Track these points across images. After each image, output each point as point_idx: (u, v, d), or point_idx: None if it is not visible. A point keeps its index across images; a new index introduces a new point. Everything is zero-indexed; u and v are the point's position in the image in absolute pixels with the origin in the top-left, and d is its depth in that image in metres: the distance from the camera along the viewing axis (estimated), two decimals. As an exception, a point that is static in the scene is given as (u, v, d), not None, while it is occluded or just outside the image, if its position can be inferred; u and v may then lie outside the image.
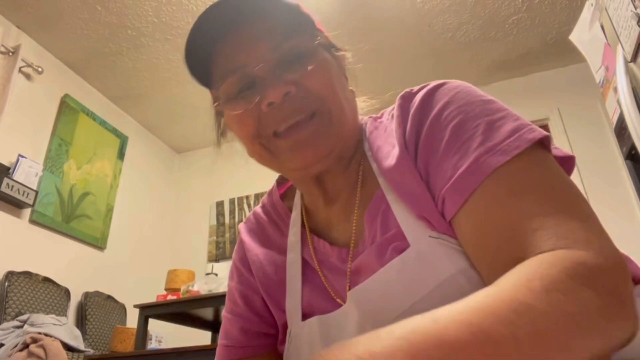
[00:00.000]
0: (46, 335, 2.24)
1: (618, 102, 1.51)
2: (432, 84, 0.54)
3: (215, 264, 2.72)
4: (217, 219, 4.00)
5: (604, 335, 0.32)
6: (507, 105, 0.50)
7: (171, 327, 2.55)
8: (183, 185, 4.28)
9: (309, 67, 0.51)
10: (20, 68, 2.86)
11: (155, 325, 2.50)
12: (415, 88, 0.55)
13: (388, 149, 0.55)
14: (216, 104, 0.56)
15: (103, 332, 2.98)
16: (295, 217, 0.64)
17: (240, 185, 3.90)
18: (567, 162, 0.50)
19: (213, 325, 2.64)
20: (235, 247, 0.71)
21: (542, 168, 0.44)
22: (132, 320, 3.08)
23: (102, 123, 3.54)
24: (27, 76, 2.97)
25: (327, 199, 0.60)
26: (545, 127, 3.38)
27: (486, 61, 3.45)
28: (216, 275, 2.54)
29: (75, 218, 3.14)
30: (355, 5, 2.89)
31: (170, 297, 2.37)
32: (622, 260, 0.37)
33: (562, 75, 3.48)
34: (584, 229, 0.38)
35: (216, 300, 2.11)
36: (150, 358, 2.05)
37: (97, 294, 3.12)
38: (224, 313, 0.69)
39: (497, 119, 0.47)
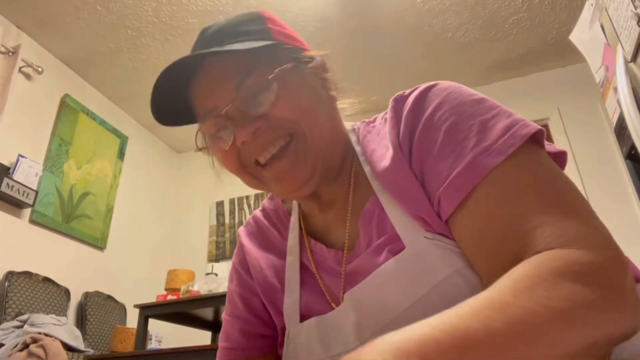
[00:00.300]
0: (46, 335, 2.24)
1: (618, 102, 1.51)
2: (424, 85, 0.54)
3: (215, 264, 2.72)
4: (217, 219, 4.00)
5: (594, 327, 0.32)
6: (507, 105, 0.50)
7: (171, 327, 2.55)
8: (183, 185, 4.28)
9: (273, 99, 0.52)
10: (20, 68, 2.86)
11: (155, 325, 2.50)
12: (408, 91, 0.56)
13: (382, 152, 0.55)
14: (199, 147, 0.57)
15: (103, 332, 2.98)
16: (294, 221, 0.65)
17: (240, 185, 3.84)
18: (560, 158, 0.51)
19: (213, 325, 2.64)
20: (235, 251, 0.72)
21: (536, 166, 0.44)
22: (132, 320, 3.08)
23: (102, 123, 3.54)
24: (27, 76, 2.97)
25: (322, 206, 0.61)
26: (545, 127, 3.38)
27: (486, 61, 3.45)
28: (216, 275, 2.54)
29: (75, 218, 3.14)
30: (355, 5, 2.89)
31: (170, 297, 2.37)
32: (618, 255, 0.37)
33: (562, 75, 3.48)
34: (579, 226, 0.39)
35: (216, 300, 2.11)
36: (150, 358, 2.05)
37: (97, 294, 3.12)
38: (224, 315, 0.69)
39: (490, 117, 0.47)
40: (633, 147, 1.49)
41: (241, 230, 0.72)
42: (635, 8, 1.30)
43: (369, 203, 0.55)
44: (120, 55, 3.21)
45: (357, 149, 0.60)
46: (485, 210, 0.44)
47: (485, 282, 0.43)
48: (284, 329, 0.62)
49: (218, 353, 0.67)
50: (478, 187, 0.44)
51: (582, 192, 3.07)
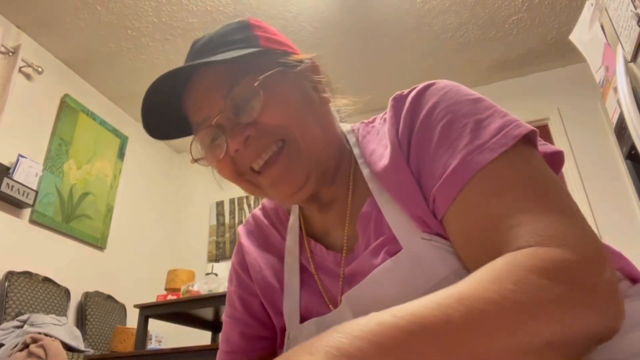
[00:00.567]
0: (46, 335, 2.24)
1: (618, 102, 1.51)
2: (422, 84, 0.55)
3: (215, 264, 2.72)
4: (217, 219, 4.00)
5: (558, 323, 0.32)
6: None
7: (171, 327, 2.55)
8: (183, 185, 4.28)
9: (260, 106, 0.52)
10: (20, 68, 2.86)
11: (155, 325, 2.50)
12: (407, 90, 0.56)
13: (381, 151, 0.55)
14: (195, 158, 0.58)
15: (103, 332, 2.98)
16: (293, 221, 0.65)
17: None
18: (556, 158, 0.51)
19: (213, 325, 2.64)
20: (235, 251, 0.72)
21: (525, 166, 0.45)
22: (132, 320, 3.08)
23: (102, 123, 3.54)
24: (27, 76, 2.97)
25: (321, 208, 0.61)
26: (545, 127, 3.39)
27: (486, 61, 3.45)
28: (216, 275, 2.54)
29: (75, 218, 3.14)
30: (355, 5, 2.89)
31: (170, 297, 2.37)
32: (596, 254, 0.37)
33: (562, 75, 3.48)
34: (559, 224, 0.39)
35: (216, 300, 2.11)
36: (150, 358, 2.05)
37: (97, 294, 3.12)
38: (224, 317, 0.70)
39: (485, 117, 0.48)
40: (633, 147, 1.49)
41: (240, 229, 0.72)
42: (635, 8, 1.30)
43: (366, 205, 0.56)
44: (120, 55, 3.21)
45: (356, 150, 0.60)
46: (471, 209, 0.44)
47: None
48: (282, 329, 0.62)
49: (218, 356, 0.67)
50: (467, 185, 0.45)
51: (582, 192, 3.07)
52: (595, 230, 2.64)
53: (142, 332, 2.20)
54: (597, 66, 1.76)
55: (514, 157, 0.45)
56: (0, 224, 2.64)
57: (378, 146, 0.57)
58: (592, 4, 1.71)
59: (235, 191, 3.99)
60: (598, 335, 0.35)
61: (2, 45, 2.79)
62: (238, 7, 2.85)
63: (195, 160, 0.57)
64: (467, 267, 0.45)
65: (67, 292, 2.85)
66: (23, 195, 2.69)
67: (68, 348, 2.35)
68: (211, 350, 1.90)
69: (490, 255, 0.39)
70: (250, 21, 0.59)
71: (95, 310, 3.01)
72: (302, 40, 3.14)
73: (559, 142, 3.28)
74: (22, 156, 2.77)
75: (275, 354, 0.65)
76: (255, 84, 0.52)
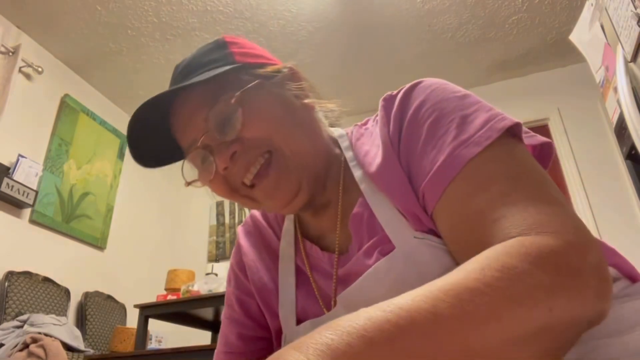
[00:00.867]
0: (46, 335, 2.24)
1: (618, 102, 1.51)
2: (409, 84, 0.55)
3: (215, 264, 2.72)
4: (217, 219, 4.00)
5: (545, 309, 0.33)
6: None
7: (171, 327, 2.55)
8: (183, 185, 4.27)
9: (240, 121, 0.53)
10: (20, 68, 2.86)
11: (155, 325, 2.50)
12: (396, 91, 0.57)
13: (375, 151, 0.56)
14: (188, 182, 0.59)
15: (103, 332, 2.98)
16: (288, 225, 0.66)
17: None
18: (545, 149, 0.52)
19: (213, 325, 2.64)
20: (233, 251, 0.72)
21: (510, 158, 0.45)
22: (132, 320, 3.08)
23: (102, 123, 3.54)
24: (27, 76, 2.97)
25: (315, 213, 0.62)
26: (545, 127, 3.39)
27: (486, 61, 3.45)
28: (216, 275, 2.54)
29: (75, 218, 3.14)
30: (355, 5, 2.89)
31: (170, 297, 2.37)
32: (580, 238, 0.38)
33: (562, 75, 3.48)
34: (544, 214, 0.39)
35: (216, 300, 2.11)
36: (150, 358, 2.05)
37: (97, 294, 3.12)
38: (222, 317, 0.70)
39: (470, 112, 0.48)
40: (633, 147, 1.49)
41: (239, 230, 0.72)
42: (635, 8, 1.30)
43: (357, 206, 0.56)
44: (120, 55, 3.21)
45: (350, 153, 0.60)
46: (458, 204, 0.45)
47: None
48: (277, 331, 0.63)
49: (216, 356, 0.67)
50: (454, 180, 0.45)
51: (582, 192, 3.07)
52: (595, 231, 2.62)
53: (142, 332, 2.20)
54: (597, 66, 1.76)
55: (498, 150, 0.45)
56: (0, 224, 2.64)
57: (371, 147, 0.57)
58: (592, 4, 1.71)
59: (235, 191, 3.99)
60: (587, 318, 0.35)
61: (2, 45, 2.79)
62: (238, 7, 2.85)
63: (189, 183, 0.58)
64: (458, 262, 0.46)
65: (67, 292, 2.85)
66: (23, 195, 2.69)
67: (68, 348, 2.35)
68: (211, 350, 1.89)
69: (478, 249, 0.40)
70: (225, 39, 0.60)
71: (95, 310, 3.01)
72: (302, 40, 3.14)
73: (559, 142, 3.28)
74: (22, 156, 2.77)
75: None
76: (233, 100, 0.53)
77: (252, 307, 0.66)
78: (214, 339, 2.70)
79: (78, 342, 2.47)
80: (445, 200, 0.46)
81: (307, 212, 0.61)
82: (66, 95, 3.23)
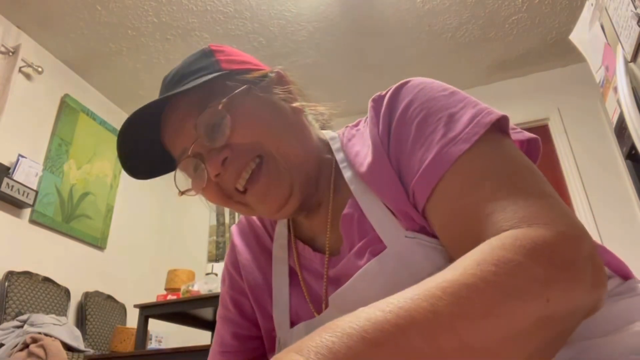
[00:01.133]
0: (46, 335, 2.24)
1: (618, 102, 1.51)
2: (397, 83, 0.56)
3: (215, 264, 2.71)
4: (217, 219, 4.00)
5: (542, 301, 0.33)
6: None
7: (171, 327, 2.55)
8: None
9: (229, 127, 0.53)
10: (20, 68, 2.86)
11: (155, 325, 2.50)
12: (385, 91, 0.57)
13: (365, 151, 0.56)
14: (182, 191, 0.59)
15: (103, 332, 2.98)
16: (281, 227, 0.66)
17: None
18: (532, 145, 0.52)
19: (213, 325, 2.63)
20: (227, 251, 0.72)
21: (498, 153, 0.46)
22: (132, 320, 3.08)
23: (102, 123, 3.54)
24: (27, 76, 2.97)
25: (307, 215, 0.62)
26: (545, 127, 3.38)
27: (486, 61, 3.45)
28: (216, 275, 2.54)
29: (75, 218, 3.14)
30: (355, 5, 2.89)
31: (170, 297, 2.37)
32: (572, 228, 0.38)
33: (562, 75, 3.47)
34: (531, 206, 0.39)
35: (216, 300, 2.11)
36: (150, 358, 2.05)
37: (97, 294, 3.12)
38: (217, 317, 0.70)
39: (458, 110, 0.49)
40: (633, 147, 1.49)
41: (234, 229, 0.72)
42: (635, 8, 1.30)
43: (348, 207, 0.56)
44: (120, 55, 3.21)
45: (340, 155, 0.60)
46: (448, 201, 0.45)
47: None
48: (268, 331, 0.63)
49: (211, 355, 0.68)
50: (444, 177, 0.45)
51: (582, 192, 3.06)
52: (595, 230, 2.62)
53: (142, 332, 2.20)
54: (597, 66, 1.76)
55: (486, 145, 0.45)
56: (0, 224, 2.64)
57: (362, 147, 0.57)
58: (592, 4, 1.71)
59: (235, 191, 3.99)
60: (583, 307, 0.35)
61: (2, 45, 2.79)
62: (238, 7, 2.85)
63: (182, 193, 0.58)
64: (452, 258, 0.46)
65: (67, 292, 2.85)
66: (23, 195, 2.69)
67: (68, 348, 2.35)
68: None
69: (471, 245, 0.40)
70: (210, 47, 0.60)
71: (95, 310, 3.01)
72: (302, 40, 3.14)
73: (559, 142, 3.28)
74: (22, 156, 2.77)
75: (267, 355, 0.65)
76: (220, 107, 0.53)
77: (246, 307, 0.66)
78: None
79: (78, 342, 2.47)
80: (436, 198, 0.46)
81: (300, 214, 0.61)
82: (66, 95, 3.23)
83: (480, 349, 0.30)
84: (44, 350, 2.11)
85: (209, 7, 2.85)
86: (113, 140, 3.62)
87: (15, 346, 2.15)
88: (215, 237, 3.94)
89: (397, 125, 0.52)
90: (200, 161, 0.55)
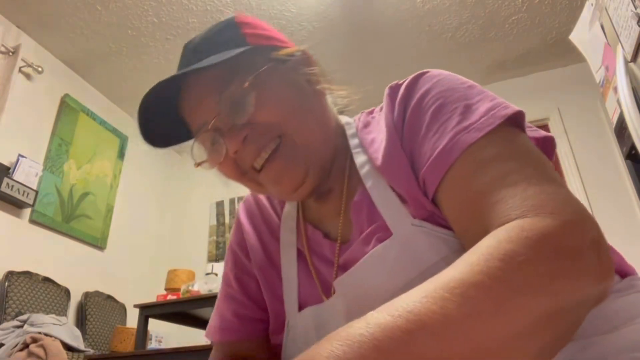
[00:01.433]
0: (46, 335, 2.24)
1: (618, 102, 1.51)
2: (415, 73, 0.56)
3: (215, 264, 2.71)
4: (217, 219, 4.00)
5: (551, 293, 0.32)
6: None
7: (171, 327, 2.55)
8: (183, 185, 4.28)
9: (253, 106, 0.53)
10: (20, 68, 2.86)
11: (155, 325, 2.50)
12: (402, 80, 0.57)
13: (380, 138, 0.56)
14: (197, 162, 0.58)
15: (103, 332, 2.98)
16: (289, 209, 0.66)
17: (241, 185, 3.89)
18: (546, 143, 0.52)
19: (213, 325, 2.64)
20: (233, 230, 0.72)
21: (510, 143, 0.45)
22: (132, 320, 3.08)
23: (102, 123, 3.54)
24: (27, 76, 2.97)
25: (318, 199, 0.62)
26: (545, 127, 3.38)
27: (486, 61, 3.45)
28: (216, 275, 2.54)
29: (75, 218, 3.14)
30: (355, 5, 2.89)
31: (170, 297, 2.37)
32: (577, 215, 0.37)
33: (562, 75, 3.47)
34: (538, 195, 0.39)
35: (216, 300, 2.11)
36: (150, 358, 2.05)
37: (97, 294, 3.12)
38: (218, 295, 0.69)
39: (475, 102, 0.49)
40: (633, 147, 1.49)
41: (241, 207, 0.72)
42: (635, 8, 1.30)
43: (358, 194, 0.56)
44: (120, 55, 3.21)
45: (355, 140, 0.60)
46: (458, 188, 0.45)
47: None
48: (276, 314, 0.62)
49: (208, 330, 0.67)
50: (455, 164, 0.45)
51: (582, 192, 3.06)
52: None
53: (142, 332, 2.20)
54: (597, 66, 1.76)
55: (499, 136, 0.45)
56: (0, 224, 2.64)
57: (378, 134, 0.57)
58: (592, 4, 1.71)
59: (235, 191, 3.99)
60: (592, 296, 0.35)
61: (2, 45, 2.79)
62: (238, 7, 2.85)
63: (198, 164, 0.58)
64: (462, 244, 0.46)
65: (67, 292, 2.85)
66: (23, 195, 2.69)
67: (68, 348, 2.35)
68: (211, 350, 1.90)
69: (480, 231, 0.40)
70: (236, 19, 0.59)
71: (95, 310, 3.01)
72: (302, 40, 3.14)
73: (559, 142, 3.28)
74: (22, 156, 2.77)
75: (268, 340, 0.65)
76: (246, 84, 0.52)
77: (251, 286, 0.66)
78: (214, 339, 2.70)
79: (78, 342, 2.47)
80: (446, 184, 0.46)
81: (310, 197, 0.61)
82: (66, 95, 3.23)
83: (492, 348, 0.30)
84: (44, 350, 2.11)
85: (209, 7, 2.85)
86: (113, 140, 3.62)
87: (15, 346, 2.15)
88: (215, 237, 3.94)
89: (412, 112, 0.52)
90: (219, 136, 0.54)
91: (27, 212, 2.81)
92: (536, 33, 3.18)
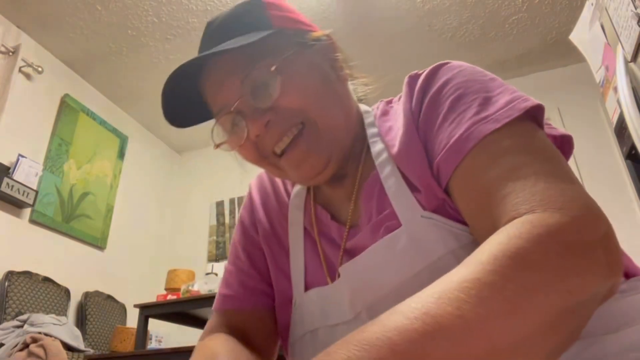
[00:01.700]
0: (46, 335, 2.24)
1: (618, 102, 1.51)
2: (436, 63, 0.55)
3: (215, 264, 2.72)
4: (217, 219, 4.00)
5: (562, 290, 0.32)
6: None
7: (171, 327, 2.55)
8: (183, 185, 4.28)
9: (278, 90, 0.52)
10: (20, 68, 2.86)
11: (155, 325, 2.50)
12: (422, 70, 0.57)
13: (397, 125, 0.56)
14: (217, 144, 0.57)
15: (103, 332, 2.98)
16: (300, 187, 0.66)
17: (241, 185, 3.90)
18: (565, 141, 0.51)
19: (213, 325, 2.64)
20: (244, 204, 0.72)
21: (526, 136, 0.45)
22: (132, 320, 3.08)
23: (102, 123, 3.54)
24: (27, 76, 2.97)
25: (331, 183, 0.61)
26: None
27: (486, 61, 3.45)
28: (216, 275, 2.54)
29: (75, 218, 3.14)
30: (355, 5, 2.89)
31: (170, 297, 2.37)
32: (587, 210, 0.38)
33: (562, 75, 3.48)
34: (553, 189, 0.39)
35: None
36: (150, 358, 2.05)
37: (97, 293, 3.12)
38: (226, 266, 0.69)
39: (495, 94, 0.48)
40: (633, 147, 1.49)
41: (253, 183, 0.72)
42: (636, 8, 1.30)
43: (370, 180, 0.56)
44: (120, 55, 3.21)
45: (372, 130, 0.60)
46: (470, 178, 0.45)
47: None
48: (282, 292, 0.62)
49: (217, 298, 0.67)
50: (469, 154, 0.45)
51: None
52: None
53: (142, 332, 2.20)
54: (597, 66, 1.76)
55: (516, 128, 0.45)
56: (0, 224, 2.64)
57: (395, 123, 0.57)
58: (592, 4, 1.71)
59: (235, 191, 3.99)
60: (602, 292, 0.35)
61: (2, 45, 2.79)
62: (238, 7, 2.85)
63: (218, 145, 0.57)
64: (472, 238, 0.46)
65: (67, 292, 2.85)
66: (23, 195, 2.69)
67: (68, 348, 2.35)
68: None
69: (490, 223, 0.40)
70: (263, 0, 0.58)
71: (95, 310, 3.01)
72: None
73: (559, 142, 3.28)
74: (22, 156, 2.77)
75: (273, 312, 0.65)
76: (272, 68, 0.52)
77: (258, 259, 0.66)
78: (214, 339, 2.70)
79: (78, 342, 2.47)
80: (459, 174, 0.46)
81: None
82: (66, 95, 3.23)
83: (508, 347, 0.30)
84: (44, 350, 2.11)
85: (209, 7, 2.85)
86: (113, 140, 3.62)
87: (15, 346, 2.15)
88: (215, 237, 3.94)
89: (430, 100, 0.52)
90: (241, 118, 0.54)
91: (27, 212, 2.81)
92: (536, 33, 3.18)
